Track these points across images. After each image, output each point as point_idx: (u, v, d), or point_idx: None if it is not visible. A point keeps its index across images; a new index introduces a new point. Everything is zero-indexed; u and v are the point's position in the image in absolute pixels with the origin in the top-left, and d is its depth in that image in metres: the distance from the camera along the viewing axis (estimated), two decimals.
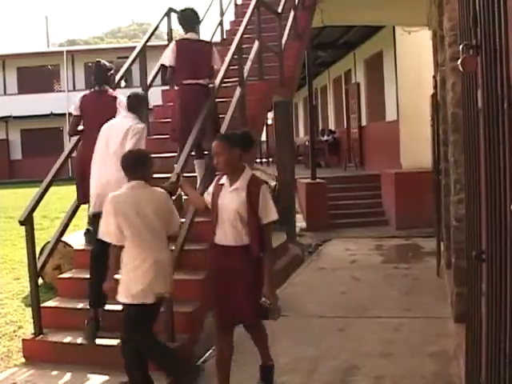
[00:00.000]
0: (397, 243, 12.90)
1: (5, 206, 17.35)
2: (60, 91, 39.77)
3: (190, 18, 7.80)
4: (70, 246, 7.99)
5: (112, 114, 6.63)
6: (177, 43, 7.66)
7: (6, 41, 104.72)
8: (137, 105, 6.43)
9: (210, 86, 7.57)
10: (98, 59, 7.39)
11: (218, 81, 7.65)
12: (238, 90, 8.12)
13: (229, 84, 8.39)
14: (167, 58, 7.60)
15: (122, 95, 7.07)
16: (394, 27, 16.00)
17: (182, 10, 7.95)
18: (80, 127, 7.15)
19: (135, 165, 5.17)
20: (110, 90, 7.18)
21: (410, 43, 15.15)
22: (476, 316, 3.70)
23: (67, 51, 40.36)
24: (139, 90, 7.66)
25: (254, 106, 8.65)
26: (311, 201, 15.26)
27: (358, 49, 19.96)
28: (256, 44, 9.07)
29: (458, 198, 6.04)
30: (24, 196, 16.76)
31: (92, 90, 7.20)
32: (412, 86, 15.02)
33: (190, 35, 7.71)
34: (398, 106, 16.12)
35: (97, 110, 6.79)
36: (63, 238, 7.30)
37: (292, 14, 11.11)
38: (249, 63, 8.64)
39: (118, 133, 6.13)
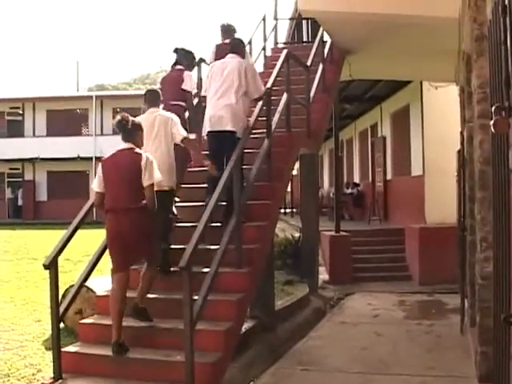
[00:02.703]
0: (420, 299, 12.78)
1: (28, 247, 17.43)
2: (88, 135, 40.25)
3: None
4: (92, 290, 7.98)
5: (179, 83, 8.44)
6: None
7: (37, 84, 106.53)
8: (239, 44, 8.32)
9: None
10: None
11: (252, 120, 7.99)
12: (266, 142, 8.15)
13: (256, 135, 8.42)
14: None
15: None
16: (421, 82, 16.10)
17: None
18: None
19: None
20: (182, 67, 8.74)
21: (437, 98, 15.24)
22: (504, 378, 3.64)
23: (96, 96, 40.89)
24: None
25: (280, 158, 8.66)
26: (335, 253, 15.21)
27: (385, 102, 20.09)
28: (285, 96, 9.14)
29: (484, 255, 5.99)
30: (47, 237, 16.87)
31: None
32: (438, 141, 15.05)
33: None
34: (423, 161, 16.12)
35: (169, 83, 8.59)
36: (85, 283, 7.29)
37: (321, 67, 11.22)
38: (277, 115, 8.71)
39: (233, 70, 7.79)
